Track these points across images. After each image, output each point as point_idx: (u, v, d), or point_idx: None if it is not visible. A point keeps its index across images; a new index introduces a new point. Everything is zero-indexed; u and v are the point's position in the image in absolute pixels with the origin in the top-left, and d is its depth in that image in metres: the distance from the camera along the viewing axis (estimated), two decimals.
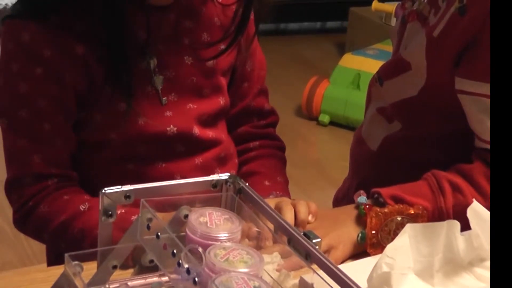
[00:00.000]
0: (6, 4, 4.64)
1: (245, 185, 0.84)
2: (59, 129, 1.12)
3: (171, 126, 1.17)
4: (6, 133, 1.13)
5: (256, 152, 1.30)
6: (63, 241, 1.10)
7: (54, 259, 1.23)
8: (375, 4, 3.88)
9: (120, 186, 0.79)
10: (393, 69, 1.19)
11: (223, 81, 1.23)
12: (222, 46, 1.20)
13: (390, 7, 3.82)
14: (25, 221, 1.12)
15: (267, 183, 1.25)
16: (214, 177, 0.84)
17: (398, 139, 1.20)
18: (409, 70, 1.15)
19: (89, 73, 1.11)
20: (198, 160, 1.21)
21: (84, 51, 1.09)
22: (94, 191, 0.94)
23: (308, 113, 3.41)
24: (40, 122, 1.11)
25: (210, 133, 1.22)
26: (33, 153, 1.11)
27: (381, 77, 1.22)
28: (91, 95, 1.12)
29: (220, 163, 1.24)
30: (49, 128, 1.11)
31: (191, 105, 1.19)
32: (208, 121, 1.22)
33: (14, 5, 1.12)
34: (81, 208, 1.09)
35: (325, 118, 3.36)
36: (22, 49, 1.08)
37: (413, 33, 1.16)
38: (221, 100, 1.23)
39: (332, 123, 3.38)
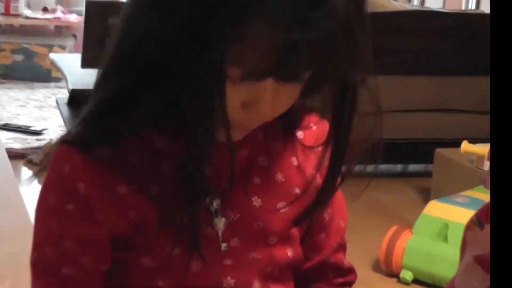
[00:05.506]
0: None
1: None
2: (84, 272, 1.08)
3: (229, 278, 1.11)
4: (33, 270, 1.11)
5: None
6: None
7: None
8: (465, 146, 3.77)
9: None
10: None
11: (295, 231, 1.17)
12: (297, 191, 1.14)
13: (483, 149, 3.69)
14: None
15: None
16: None
17: None
18: None
19: (134, 214, 1.06)
20: None
21: (130, 190, 1.06)
22: None
23: (387, 269, 3.20)
24: (62, 264, 1.08)
25: None
26: None
27: (480, 219, 1.16)
28: (137, 237, 1.08)
29: None
30: (70, 272, 1.08)
31: (254, 254, 1.13)
32: (272, 274, 1.15)
33: (74, 128, 1.09)
34: None
35: (407, 275, 3.14)
36: (59, 181, 1.07)
37: None
38: (289, 252, 1.16)
39: (416, 281, 3.16)
